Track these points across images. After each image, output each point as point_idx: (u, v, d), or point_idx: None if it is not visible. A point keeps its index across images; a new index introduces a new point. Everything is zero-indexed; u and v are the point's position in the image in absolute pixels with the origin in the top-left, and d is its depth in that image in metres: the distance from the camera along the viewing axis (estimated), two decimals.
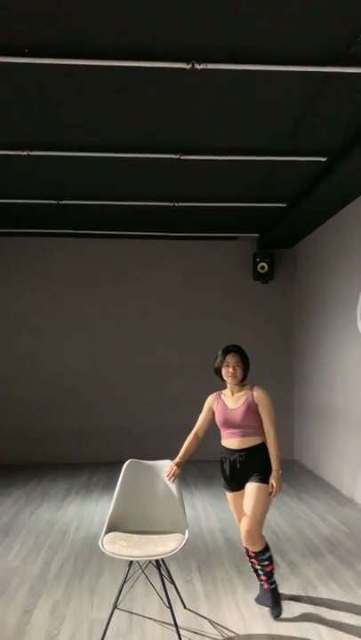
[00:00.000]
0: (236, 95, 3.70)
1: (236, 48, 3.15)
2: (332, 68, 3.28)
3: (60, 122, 4.11)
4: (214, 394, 3.43)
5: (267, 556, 3.25)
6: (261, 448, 3.26)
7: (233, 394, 3.35)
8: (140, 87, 3.59)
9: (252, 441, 3.25)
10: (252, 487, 3.19)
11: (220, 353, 3.38)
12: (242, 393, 3.32)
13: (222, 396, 3.38)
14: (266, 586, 3.30)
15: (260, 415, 3.26)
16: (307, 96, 3.69)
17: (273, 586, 3.28)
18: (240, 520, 3.26)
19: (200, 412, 3.45)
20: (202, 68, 3.21)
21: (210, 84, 3.54)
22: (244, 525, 3.18)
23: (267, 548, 3.25)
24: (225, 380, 3.37)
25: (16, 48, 3.12)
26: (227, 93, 3.68)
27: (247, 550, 3.30)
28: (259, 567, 3.28)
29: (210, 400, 3.41)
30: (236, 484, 3.32)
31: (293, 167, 4.96)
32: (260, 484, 3.18)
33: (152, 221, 6.99)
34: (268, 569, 3.27)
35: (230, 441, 3.29)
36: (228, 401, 3.35)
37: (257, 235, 7.67)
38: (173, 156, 4.61)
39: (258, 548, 3.21)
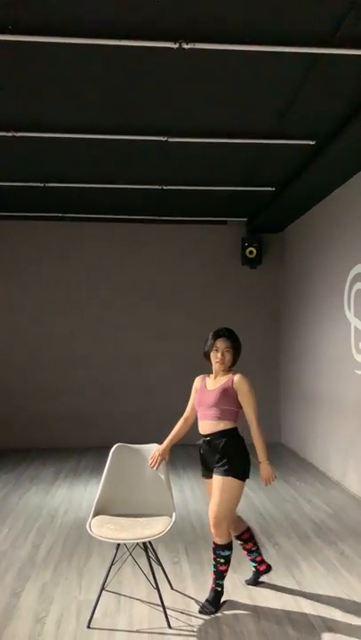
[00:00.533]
0: (225, 76, 3.65)
1: (224, 28, 3.09)
2: (321, 49, 3.23)
3: (46, 102, 4.03)
4: (201, 376, 3.37)
5: (226, 554, 3.12)
6: (229, 435, 3.12)
7: (216, 377, 3.28)
8: (127, 67, 3.52)
9: (219, 426, 3.12)
10: (215, 480, 3.10)
11: (210, 336, 3.27)
12: (224, 377, 3.22)
13: (207, 379, 3.32)
14: (211, 585, 3.17)
15: (235, 401, 3.15)
16: (296, 78, 3.65)
17: (218, 589, 3.15)
18: None
19: (188, 395, 3.43)
20: (189, 47, 3.15)
21: (198, 65, 3.48)
22: (209, 518, 3.12)
23: (229, 547, 3.12)
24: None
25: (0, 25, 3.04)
26: (215, 74, 3.62)
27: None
28: (213, 562, 3.15)
29: (195, 382, 3.35)
30: (204, 471, 3.27)
31: (282, 150, 4.92)
32: (224, 478, 3.06)
33: (140, 205, 6.93)
34: (221, 568, 3.13)
35: (200, 423, 3.22)
36: (208, 383, 3.27)
37: (245, 219, 7.64)
38: (161, 139, 4.55)
39: (219, 541, 3.10)
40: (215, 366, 3.27)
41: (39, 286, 7.79)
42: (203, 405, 3.21)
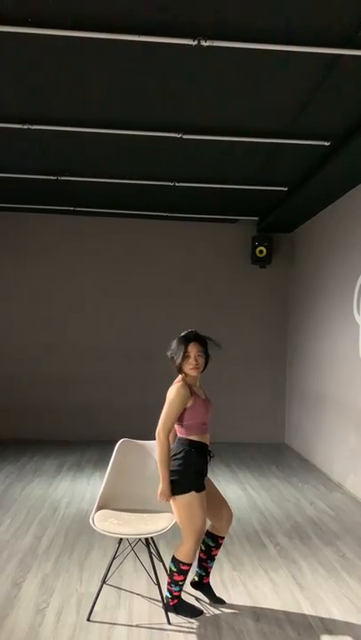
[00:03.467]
0: (242, 75, 3.64)
1: (243, 26, 3.08)
2: (340, 50, 3.21)
3: (61, 96, 4.03)
4: (182, 383, 3.02)
5: (178, 568, 2.96)
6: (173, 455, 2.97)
7: (197, 385, 3.11)
8: (145, 63, 3.52)
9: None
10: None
11: (179, 342, 3.02)
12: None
13: (193, 388, 3.05)
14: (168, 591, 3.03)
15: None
16: (313, 78, 3.63)
17: (176, 601, 3.02)
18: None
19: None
20: (208, 45, 3.14)
21: (215, 62, 3.47)
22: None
23: (183, 571, 2.95)
24: (184, 372, 3.04)
25: (19, 17, 3.04)
26: (232, 72, 3.61)
27: (217, 538, 3.16)
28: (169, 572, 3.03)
29: (185, 392, 2.98)
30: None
31: (296, 150, 4.90)
32: (172, 498, 2.93)
33: (151, 201, 6.93)
34: (176, 577, 2.99)
35: (205, 436, 3.10)
36: (199, 393, 3.09)
37: (257, 218, 7.63)
38: (175, 135, 4.54)
39: (177, 555, 2.96)
40: (193, 373, 3.03)
41: (47, 279, 7.81)
42: (206, 417, 3.07)
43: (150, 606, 3.11)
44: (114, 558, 3.10)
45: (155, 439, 3.01)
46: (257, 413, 7.90)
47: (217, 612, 3.10)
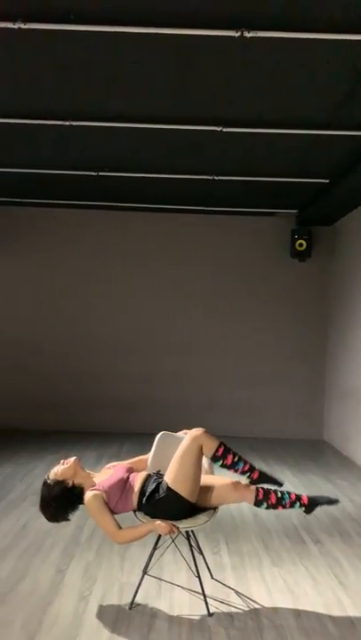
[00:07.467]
0: (284, 65, 3.58)
1: (287, 15, 3.02)
2: None
3: (103, 92, 4.07)
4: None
5: (268, 502, 3.05)
6: None
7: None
8: (186, 56, 3.51)
9: None
10: None
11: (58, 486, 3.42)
12: None
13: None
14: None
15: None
16: (356, 67, 3.54)
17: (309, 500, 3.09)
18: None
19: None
20: (251, 36, 3.10)
21: (258, 54, 3.42)
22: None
23: (257, 504, 3.07)
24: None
25: (61, 14, 3.08)
26: (275, 63, 3.55)
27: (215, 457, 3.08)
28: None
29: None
30: None
31: (338, 141, 4.80)
32: (171, 523, 3.04)
33: (190, 195, 6.92)
34: (273, 500, 3.07)
35: None
36: None
37: (296, 211, 7.51)
38: (216, 129, 4.51)
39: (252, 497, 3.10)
40: (94, 477, 3.43)
41: (86, 274, 7.91)
42: (127, 483, 3.26)
43: (191, 598, 3.14)
44: (154, 550, 3.13)
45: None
46: (294, 409, 7.82)
47: (257, 606, 3.09)
